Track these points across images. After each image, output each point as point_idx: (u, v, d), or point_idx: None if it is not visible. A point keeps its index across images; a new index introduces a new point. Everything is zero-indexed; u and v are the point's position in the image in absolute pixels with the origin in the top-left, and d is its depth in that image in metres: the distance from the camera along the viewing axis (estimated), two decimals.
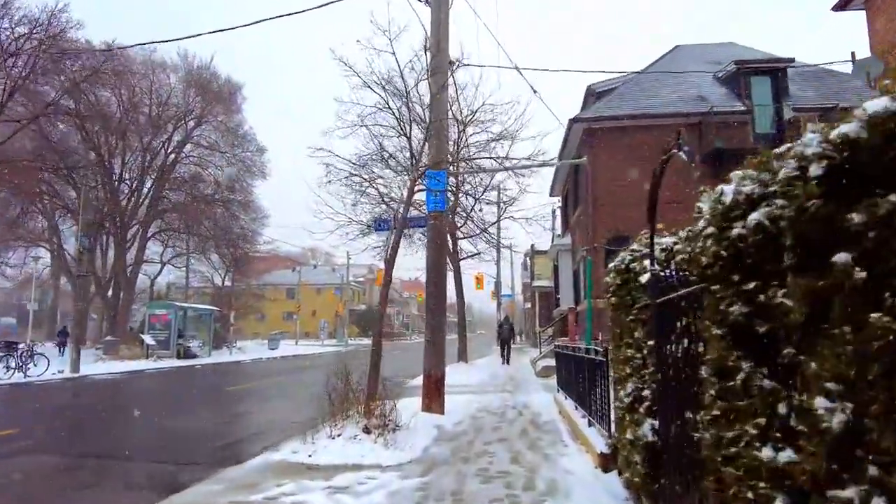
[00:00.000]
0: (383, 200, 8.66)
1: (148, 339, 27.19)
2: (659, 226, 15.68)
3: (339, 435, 7.46)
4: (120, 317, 34.79)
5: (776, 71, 18.38)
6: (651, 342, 4.24)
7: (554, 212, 38.06)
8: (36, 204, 33.86)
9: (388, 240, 8.47)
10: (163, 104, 35.25)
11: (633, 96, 19.25)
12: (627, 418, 4.74)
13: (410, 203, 8.42)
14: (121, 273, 35.51)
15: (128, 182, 36.03)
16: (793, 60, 18.27)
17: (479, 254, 22.66)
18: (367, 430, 7.54)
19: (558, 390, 11.47)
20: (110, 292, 36.02)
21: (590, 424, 7.48)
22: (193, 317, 30.95)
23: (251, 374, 22.17)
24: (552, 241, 26.02)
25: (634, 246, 4.90)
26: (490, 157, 19.17)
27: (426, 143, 8.71)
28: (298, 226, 21.84)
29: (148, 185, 36.33)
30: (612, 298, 5.47)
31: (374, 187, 8.70)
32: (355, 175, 8.81)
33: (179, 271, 46.33)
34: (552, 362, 17.52)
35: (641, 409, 4.37)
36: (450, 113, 10.19)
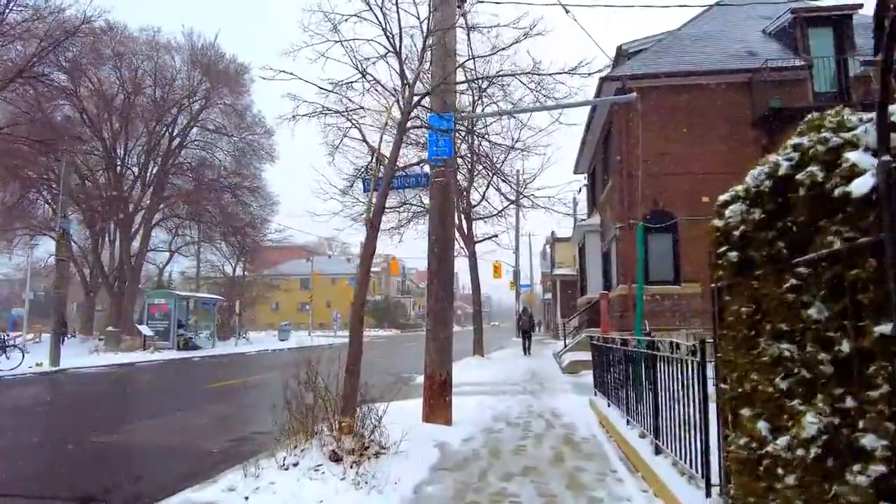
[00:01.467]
0: (365, 140, 6.26)
1: (145, 330, 25.24)
2: (704, 199, 12.81)
3: (295, 464, 5.15)
4: (124, 307, 33.02)
5: (839, 20, 15.64)
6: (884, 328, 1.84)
7: (575, 201, 35.64)
8: (40, 191, 32.17)
9: (369, 200, 6.11)
10: (167, 85, 33.22)
11: (673, 53, 16.64)
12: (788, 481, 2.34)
13: (402, 140, 6.05)
14: (125, 262, 33.70)
15: (131, 168, 34.12)
16: (860, 6, 15.51)
17: (496, 236, 20.29)
18: (335, 457, 5.23)
19: (596, 393, 9.07)
20: (115, 282, 34.29)
21: (657, 452, 5.09)
22: (196, 306, 28.95)
23: (247, 367, 20.05)
24: (574, 226, 23.54)
25: (800, 140, 2.43)
26: (508, 112, 16.75)
27: (424, 56, 6.30)
28: (304, 211, 19.65)
29: (153, 170, 34.40)
30: (729, 255, 3.09)
31: (354, 124, 6.29)
32: (329, 111, 6.39)
33: (189, 261, 44.65)
34: (581, 356, 15.09)
35: (861, 477, 1.95)
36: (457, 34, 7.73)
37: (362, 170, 7.65)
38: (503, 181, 19.27)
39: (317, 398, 5.77)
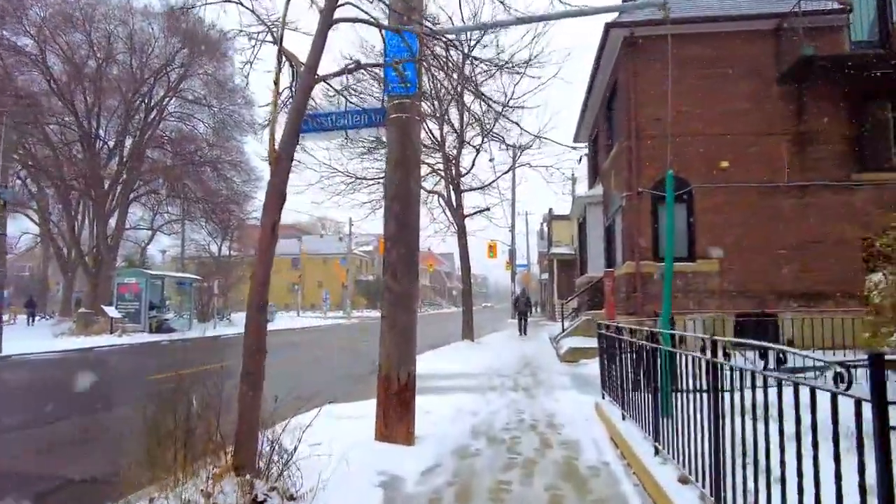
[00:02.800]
0: (264, 23, 4.13)
1: (112, 312, 23.19)
2: (723, 164, 10.27)
3: None
4: (101, 288, 30.97)
5: None
6: None
7: (574, 178, 33.65)
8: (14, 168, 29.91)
9: (271, 121, 3.98)
10: (142, 52, 30.81)
11: None
12: None
13: (327, 30, 3.93)
14: (101, 240, 31.56)
15: (107, 142, 31.81)
16: None
17: (488, 209, 18.21)
18: None
19: (604, 395, 7.07)
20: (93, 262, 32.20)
21: None
22: (170, 286, 26.89)
23: (214, 352, 18.07)
24: (573, 201, 21.44)
25: None
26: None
27: None
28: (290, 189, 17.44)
29: (128, 143, 32.13)
30: None
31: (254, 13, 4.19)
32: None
33: (172, 240, 42.57)
34: (580, 342, 13.14)
35: None
36: None
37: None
38: (497, 140, 17.12)
39: (191, 428, 3.76)
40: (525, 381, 9.80)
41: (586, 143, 20.74)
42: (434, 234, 20.31)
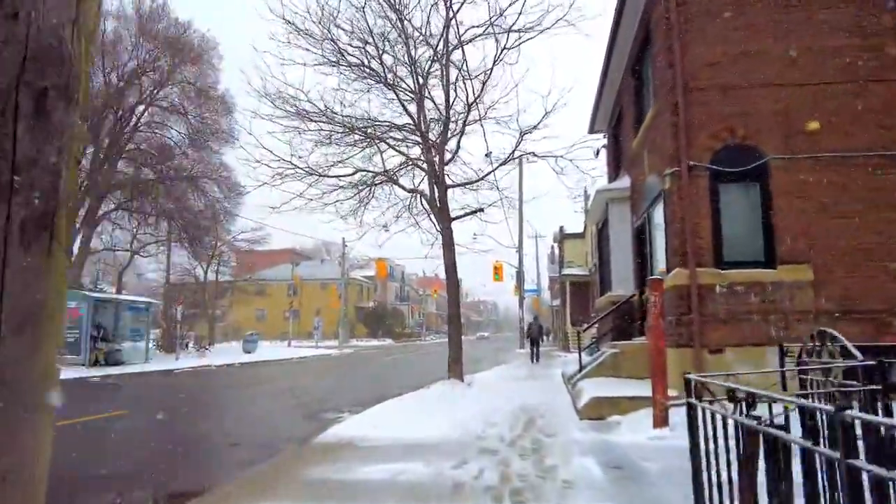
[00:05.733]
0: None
1: None
2: (812, 125, 5.15)
3: None
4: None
5: None
6: None
7: (588, 195, 29.50)
8: None
9: None
10: (108, 56, 27.39)
11: None
12: None
13: None
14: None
15: None
16: None
17: (482, 210, 13.92)
18: None
19: None
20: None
21: None
22: (123, 312, 22.76)
23: (136, 394, 13.94)
24: (587, 208, 17.00)
25: None
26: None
27: None
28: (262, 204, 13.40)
29: (90, 153, 28.50)
30: None
31: None
32: None
33: (155, 264, 38.74)
34: (608, 388, 8.73)
35: None
36: None
37: None
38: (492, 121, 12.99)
39: None
40: (521, 469, 5.37)
41: (604, 134, 16.52)
42: (421, 249, 15.98)
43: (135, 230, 32.08)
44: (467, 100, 12.16)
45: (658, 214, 10.15)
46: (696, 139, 8.92)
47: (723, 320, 8.52)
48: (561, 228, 33.07)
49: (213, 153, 29.70)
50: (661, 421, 7.01)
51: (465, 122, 12.65)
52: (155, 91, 29.22)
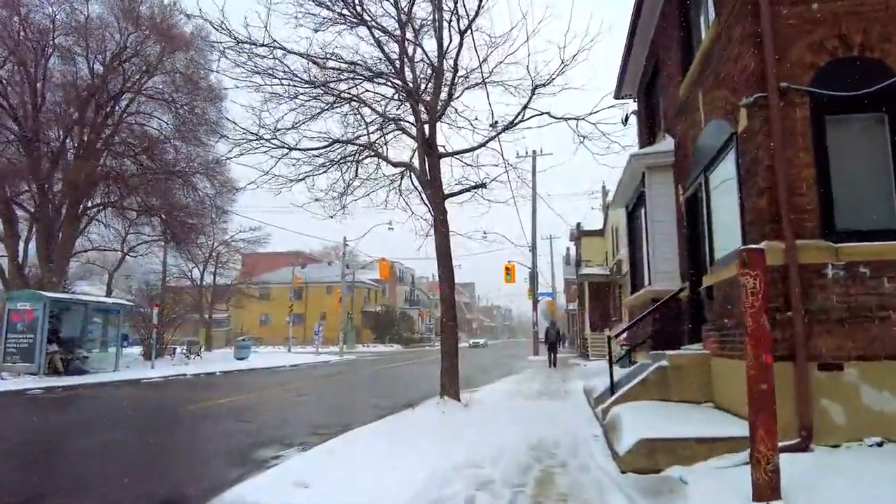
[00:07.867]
0: None
1: None
2: None
3: None
4: None
5: None
6: None
7: (606, 190, 26.73)
8: None
9: None
10: (84, 39, 24.99)
11: None
12: None
13: None
14: (43, 262, 25.25)
15: (47, 143, 25.77)
16: None
17: (484, 186, 10.98)
18: None
19: None
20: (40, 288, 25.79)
21: None
22: (87, 314, 20.07)
23: (70, 414, 11.17)
24: (619, 183, 13.85)
25: None
26: None
27: None
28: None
29: (75, 148, 26.12)
30: None
31: None
32: None
33: (151, 265, 36.24)
34: (661, 423, 5.62)
35: None
36: None
37: None
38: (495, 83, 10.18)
39: None
40: None
41: (633, 98, 13.53)
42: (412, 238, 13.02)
43: (126, 229, 29.69)
44: (460, 28, 9.22)
45: (723, 173, 7.13)
46: (789, 52, 5.92)
47: (839, 319, 5.49)
48: (578, 225, 30.01)
49: (203, 145, 27.01)
50: (768, 489, 4.03)
51: (456, 59, 9.71)
52: (141, 79, 26.78)
